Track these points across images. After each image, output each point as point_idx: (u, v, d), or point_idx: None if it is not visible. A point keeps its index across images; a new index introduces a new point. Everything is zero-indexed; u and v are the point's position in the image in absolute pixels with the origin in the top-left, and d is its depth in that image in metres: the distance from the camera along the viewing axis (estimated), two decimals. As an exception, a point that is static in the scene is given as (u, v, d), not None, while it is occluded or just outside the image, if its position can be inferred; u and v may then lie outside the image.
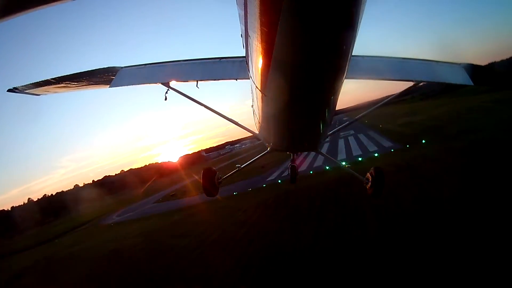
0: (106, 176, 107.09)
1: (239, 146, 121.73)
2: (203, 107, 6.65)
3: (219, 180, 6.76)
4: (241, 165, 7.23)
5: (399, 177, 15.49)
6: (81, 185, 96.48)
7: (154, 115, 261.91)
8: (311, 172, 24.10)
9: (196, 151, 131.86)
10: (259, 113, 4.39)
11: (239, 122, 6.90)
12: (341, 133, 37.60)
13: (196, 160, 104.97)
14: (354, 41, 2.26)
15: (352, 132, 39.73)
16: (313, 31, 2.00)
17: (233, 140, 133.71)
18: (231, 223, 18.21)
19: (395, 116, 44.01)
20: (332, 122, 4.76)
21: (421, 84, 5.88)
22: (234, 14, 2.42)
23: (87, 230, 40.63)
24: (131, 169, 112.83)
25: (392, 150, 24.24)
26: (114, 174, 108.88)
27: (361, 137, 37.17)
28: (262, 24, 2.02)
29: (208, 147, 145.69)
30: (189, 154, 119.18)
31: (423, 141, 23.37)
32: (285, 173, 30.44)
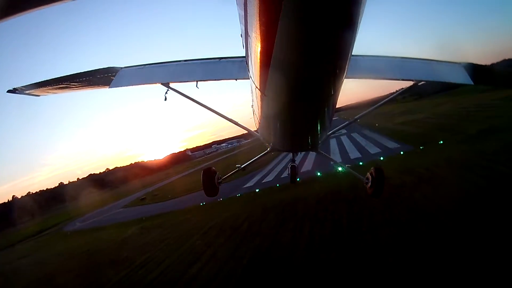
0: (90, 174, 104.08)
1: (226, 145, 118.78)
2: (202, 107, 6.54)
3: (219, 180, 6.89)
4: (241, 165, 7.27)
5: (424, 193, 10.72)
6: (66, 182, 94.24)
7: (147, 112, 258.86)
8: (297, 179, 18.81)
9: (183, 150, 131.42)
10: (259, 113, 4.31)
11: (239, 122, 6.90)
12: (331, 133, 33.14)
13: (181, 159, 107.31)
14: (354, 41, 2.21)
15: (344, 131, 34.85)
16: (313, 31, 1.95)
17: (219, 140, 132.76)
18: (185, 251, 13.38)
19: (392, 114, 40.17)
20: (332, 122, 4.54)
21: (420, 83, 5.77)
22: (234, 14, 2.37)
23: (47, 237, 37.67)
24: (116, 167, 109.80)
25: (402, 153, 19.49)
26: (98, 172, 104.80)
27: (356, 136, 32.51)
28: (262, 24, 1.99)
29: (202, 144, 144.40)
30: (175, 153, 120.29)
31: (441, 142, 18.92)
32: (266, 179, 25.95)
